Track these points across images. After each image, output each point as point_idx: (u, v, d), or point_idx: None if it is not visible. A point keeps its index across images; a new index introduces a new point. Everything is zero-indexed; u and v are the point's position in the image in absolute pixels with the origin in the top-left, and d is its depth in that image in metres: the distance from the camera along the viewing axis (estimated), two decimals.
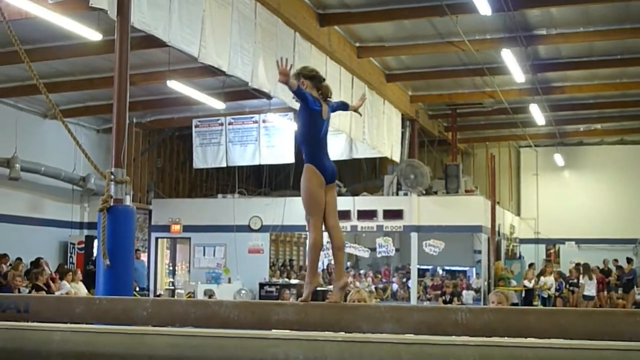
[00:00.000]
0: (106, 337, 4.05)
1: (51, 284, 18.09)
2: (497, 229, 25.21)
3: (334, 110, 6.37)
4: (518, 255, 29.15)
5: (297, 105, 15.61)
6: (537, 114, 23.59)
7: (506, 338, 4.10)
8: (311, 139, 6.06)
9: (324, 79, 6.21)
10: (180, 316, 5.65)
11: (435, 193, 24.91)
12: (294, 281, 24.48)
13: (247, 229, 24.43)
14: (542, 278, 24.73)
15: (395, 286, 26.63)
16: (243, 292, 23.12)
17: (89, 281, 19.57)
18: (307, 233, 6.18)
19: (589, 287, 24.28)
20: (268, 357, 3.76)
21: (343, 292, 6.01)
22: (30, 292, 16.46)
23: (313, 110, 6.00)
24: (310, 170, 6.00)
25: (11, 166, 19.57)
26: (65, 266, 21.11)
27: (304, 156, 6.07)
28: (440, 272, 27.57)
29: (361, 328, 5.18)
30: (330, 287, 24.87)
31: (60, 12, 13.07)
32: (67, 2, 13.34)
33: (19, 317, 5.81)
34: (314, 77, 6.12)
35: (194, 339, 3.88)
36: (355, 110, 6.90)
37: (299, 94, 5.93)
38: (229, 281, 23.68)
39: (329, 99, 6.18)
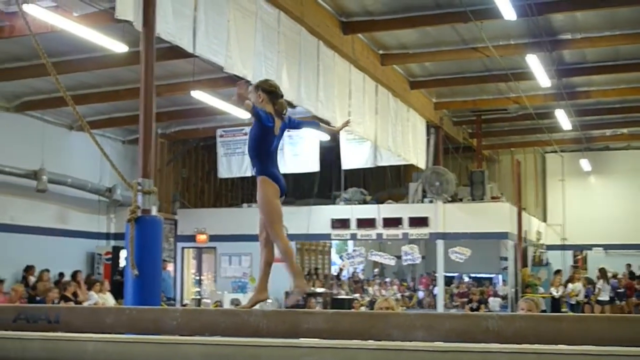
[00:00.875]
0: (139, 346, 4.05)
1: (79, 293, 18.23)
2: (523, 235, 25.07)
3: (291, 127, 6.58)
4: (545, 261, 28.95)
5: (322, 114, 15.65)
6: (563, 119, 23.49)
7: (536, 345, 4.07)
8: (263, 152, 6.23)
9: (282, 95, 6.35)
10: (209, 325, 5.64)
11: (461, 200, 24.81)
12: (320, 290, 24.46)
13: None
14: (570, 285, 24.57)
15: (421, 294, 26.55)
16: (269, 301, 23.08)
17: (116, 291, 19.71)
18: (281, 242, 6.35)
19: (605, 292, 24.19)
20: None
21: (252, 304, 6.27)
22: (58, 302, 16.56)
23: (266, 127, 6.14)
24: (265, 181, 6.22)
25: (38, 178, 19.72)
26: (93, 277, 21.24)
27: (256, 169, 6.27)
28: (466, 279, 27.47)
29: (391, 336, 5.15)
30: (356, 295, 24.87)
31: (86, 24, 13.18)
32: (92, 15, 13.47)
33: (50, 327, 5.84)
34: (272, 92, 6.29)
35: (227, 348, 3.87)
36: (335, 133, 7.01)
37: (254, 113, 6.08)
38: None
39: (283, 115, 6.31)
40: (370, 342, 4.12)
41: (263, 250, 6.41)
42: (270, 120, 6.16)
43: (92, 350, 4.05)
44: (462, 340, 4.86)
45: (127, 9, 10.45)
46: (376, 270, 28.35)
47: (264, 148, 6.23)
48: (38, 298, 16.95)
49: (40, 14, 12.33)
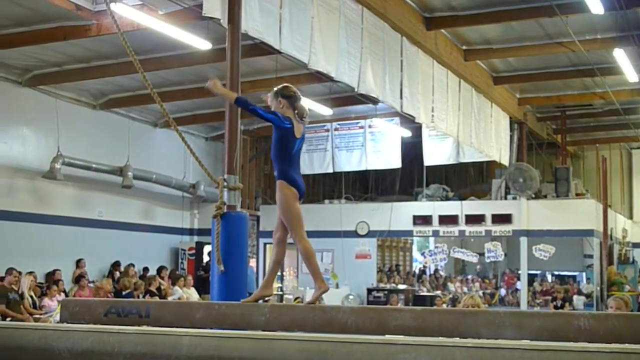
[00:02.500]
0: (235, 342, 4.07)
1: (162, 284, 18.53)
2: (609, 232, 24.62)
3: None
4: (631, 259, 28.40)
5: (406, 110, 15.59)
6: None
7: (627, 345, 3.98)
8: (283, 155, 6.32)
9: (300, 99, 6.45)
10: (298, 321, 5.68)
11: (545, 197, 24.49)
12: (401, 286, 24.38)
13: (354, 234, 24.41)
14: None
15: (503, 291, 26.30)
16: (351, 297, 23.12)
17: (200, 286, 19.94)
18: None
19: None
20: None
21: (255, 299, 6.31)
22: (144, 297, 16.82)
23: (284, 128, 6.24)
24: (283, 186, 6.30)
25: (124, 174, 20.03)
26: (177, 272, 21.51)
27: (276, 173, 6.36)
28: (549, 277, 27.11)
29: (480, 334, 5.11)
30: (438, 292, 24.73)
31: (171, 22, 13.33)
32: (177, 13, 13.61)
33: (141, 321, 5.94)
34: (290, 97, 6.37)
35: (322, 345, 3.86)
36: None
37: (259, 114, 6.29)
38: (337, 286, 23.67)
39: (304, 118, 6.42)
40: (466, 340, 4.08)
41: (274, 248, 6.60)
42: (288, 122, 6.26)
43: (187, 345, 4.08)
44: (553, 339, 4.80)
45: (215, 7, 10.54)
46: (478, 267, 28.07)
47: (284, 151, 6.33)
48: (124, 292, 17.22)
49: (126, 13, 12.51)
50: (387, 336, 4.79)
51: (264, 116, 6.30)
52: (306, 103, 18.43)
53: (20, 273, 15.71)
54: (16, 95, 17.87)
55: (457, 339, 4.29)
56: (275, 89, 6.49)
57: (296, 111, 6.37)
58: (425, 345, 3.57)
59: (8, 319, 14.01)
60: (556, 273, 27.46)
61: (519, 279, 24.84)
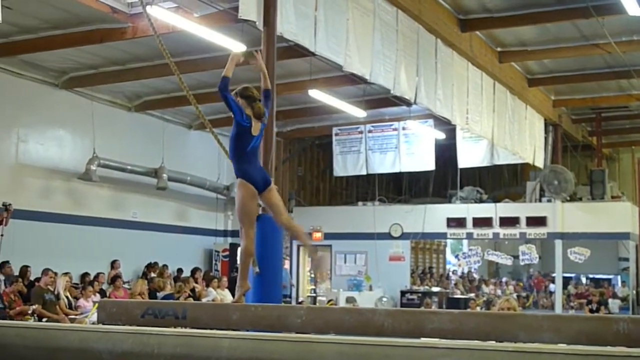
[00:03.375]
0: (274, 344, 4.07)
1: (196, 286, 18.59)
2: None
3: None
4: None
5: (440, 112, 15.56)
6: None
7: None
8: (239, 152, 6.74)
9: (259, 100, 6.86)
10: (334, 323, 5.67)
11: (580, 199, 24.30)
12: (435, 289, 24.30)
13: (388, 236, 24.34)
14: None
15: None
16: (384, 299, 23.06)
17: (234, 288, 19.93)
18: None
19: None
20: None
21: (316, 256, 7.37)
22: (177, 298, 16.88)
23: (242, 125, 6.68)
24: (241, 184, 6.68)
25: (159, 176, 20.14)
26: (211, 273, 21.56)
27: (235, 171, 6.74)
28: (584, 280, 26.93)
29: (517, 337, 5.08)
30: (472, 294, 24.63)
31: (206, 25, 13.38)
32: (212, 15, 13.67)
33: (177, 323, 5.97)
34: (249, 97, 6.81)
35: (362, 347, 3.86)
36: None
37: (228, 102, 6.66)
38: (370, 289, 23.64)
39: (262, 118, 6.83)
40: (507, 344, 4.06)
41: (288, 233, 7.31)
42: (246, 121, 6.71)
43: (227, 347, 4.09)
44: (591, 343, 4.76)
45: (250, 10, 10.57)
46: (532, 270, 27.93)
47: (240, 148, 6.73)
48: (159, 294, 17.28)
49: (162, 15, 12.57)
50: (426, 339, 4.78)
51: (230, 105, 6.66)
52: (340, 105, 18.59)
53: (55, 274, 15.81)
54: (52, 97, 18.02)
55: (495, 342, 4.27)
56: (237, 89, 6.87)
57: (254, 110, 6.75)
58: (466, 348, 3.55)
59: (44, 319, 14.13)
60: (591, 276, 27.28)
61: (552, 282, 24.66)
